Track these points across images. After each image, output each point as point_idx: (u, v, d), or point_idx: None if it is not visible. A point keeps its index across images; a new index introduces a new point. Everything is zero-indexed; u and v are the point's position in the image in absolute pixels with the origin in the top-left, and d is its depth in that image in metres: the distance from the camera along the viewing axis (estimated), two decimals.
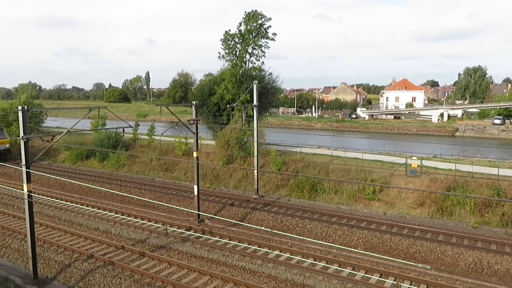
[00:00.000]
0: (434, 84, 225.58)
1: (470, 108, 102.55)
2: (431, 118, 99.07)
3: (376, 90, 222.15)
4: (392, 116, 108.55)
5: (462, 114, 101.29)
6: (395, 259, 19.18)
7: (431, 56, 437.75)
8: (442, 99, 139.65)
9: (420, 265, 14.89)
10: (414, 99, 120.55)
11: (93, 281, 18.28)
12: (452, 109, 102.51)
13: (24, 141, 17.43)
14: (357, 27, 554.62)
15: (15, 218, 26.76)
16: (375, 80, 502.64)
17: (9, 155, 46.02)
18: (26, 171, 17.61)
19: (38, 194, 31.14)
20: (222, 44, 44.97)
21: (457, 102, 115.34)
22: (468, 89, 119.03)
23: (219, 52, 45.75)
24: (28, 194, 17.79)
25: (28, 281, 18.31)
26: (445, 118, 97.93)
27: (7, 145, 46.22)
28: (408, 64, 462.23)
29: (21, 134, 17.37)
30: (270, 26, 44.01)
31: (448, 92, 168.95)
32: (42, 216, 27.26)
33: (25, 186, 17.78)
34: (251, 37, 43.66)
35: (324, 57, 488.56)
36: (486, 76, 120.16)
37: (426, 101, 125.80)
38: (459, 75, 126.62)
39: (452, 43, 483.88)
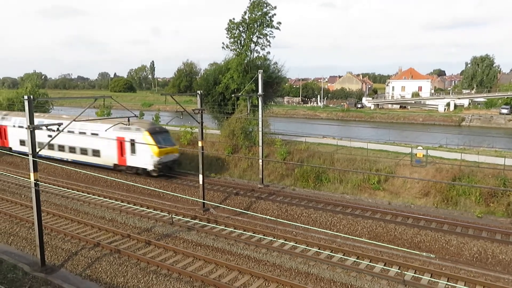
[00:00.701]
0: (440, 73, 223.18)
1: (477, 98, 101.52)
2: (437, 108, 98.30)
3: (382, 79, 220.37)
4: (398, 106, 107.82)
5: (469, 103, 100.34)
6: (399, 248, 19.22)
7: (440, 45, 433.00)
8: (449, 89, 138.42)
9: (424, 254, 14.97)
10: (420, 88, 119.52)
11: (100, 269, 18.51)
12: (459, 98, 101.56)
13: (31, 131, 17.55)
14: (365, 16, 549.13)
15: (23, 207, 27.05)
16: (381, 69, 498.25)
17: (176, 168, 34.72)
18: (33, 160, 17.75)
19: (45, 183, 31.39)
20: (227, 33, 44.77)
21: (464, 91, 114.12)
22: (475, 78, 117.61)
23: (223, 42, 45.61)
24: (35, 183, 17.97)
25: (36, 269, 18.58)
26: (452, 107, 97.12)
27: (177, 154, 34.48)
28: (415, 53, 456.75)
29: (28, 123, 17.49)
30: (275, 15, 43.72)
31: (455, 82, 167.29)
32: (49, 205, 27.53)
33: (32, 175, 17.94)
34: (255, 26, 43.43)
35: (330, 46, 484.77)
36: (494, 65, 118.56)
37: (433, 91, 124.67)
38: (466, 64, 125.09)
39: (461, 32, 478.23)
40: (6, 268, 18.74)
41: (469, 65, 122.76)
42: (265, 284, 17.02)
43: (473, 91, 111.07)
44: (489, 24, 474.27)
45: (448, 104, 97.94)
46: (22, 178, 31.60)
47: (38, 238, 18.55)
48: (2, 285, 16.94)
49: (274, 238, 21.38)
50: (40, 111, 58.41)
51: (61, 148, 37.65)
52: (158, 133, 32.98)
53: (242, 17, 43.51)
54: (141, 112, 54.59)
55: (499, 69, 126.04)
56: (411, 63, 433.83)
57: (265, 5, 42.80)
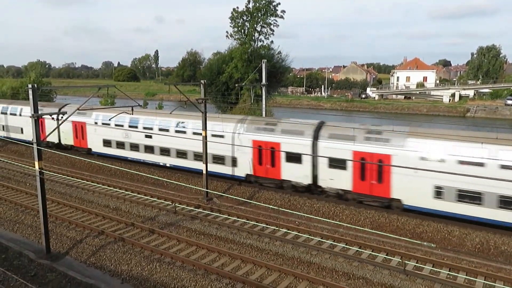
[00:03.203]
0: (446, 63, 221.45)
1: (482, 89, 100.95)
2: (442, 99, 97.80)
3: (387, 69, 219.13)
4: (403, 96, 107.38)
5: (474, 94, 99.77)
6: (401, 238, 19.28)
7: (447, 35, 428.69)
8: (454, 79, 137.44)
9: (425, 243, 15.01)
10: (425, 79, 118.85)
11: (104, 257, 18.71)
12: (464, 89, 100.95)
13: (35, 119, 17.63)
14: (372, 4, 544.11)
15: (28, 195, 27.29)
16: (386, 59, 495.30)
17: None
18: (37, 149, 17.87)
19: (50, 172, 31.59)
20: (231, 22, 44.59)
21: (469, 82, 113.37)
22: (481, 69, 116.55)
23: (227, 31, 45.49)
24: (39, 171, 18.10)
25: (41, 256, 18.81)
26: (457, 98, 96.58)
27: None
28: (422, 43, 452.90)
29: (32, 112, 17.57)
30: (279, 3, 43.51)
31: (460, 72, 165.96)
32: (54, 193, 27.74)
33: (36, 163, 18.08)
34: (259, 14, 43.18)
35: (335, 36, 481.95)
36: (500, 56, 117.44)
37: (438, 81, 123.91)
38: (472, 54, 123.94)
39: (469, 21, 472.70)
40: (12, 255, 19.00)
41: (475, 56, 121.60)
42: (268, 273, 17.16)
43: (478, 82, 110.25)
44: (497, 13, 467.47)
45: (453, 95, 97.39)
46: (27, 166, 31.86)
47: (43, 226, 18.76)
48: (8, 271, 17.18)
49: (277, 227, 21.50)
50: (44, 100, 58.55)
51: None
52: None
53: (246, 6, 43.24)
54: (145, 101, 54.78)
55: (505, 59, 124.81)
56: (416, 53, 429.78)
57: None
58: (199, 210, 24.30)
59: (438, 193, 21.24)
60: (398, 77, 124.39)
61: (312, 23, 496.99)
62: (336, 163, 23.70)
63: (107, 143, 35.08)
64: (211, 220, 22.64)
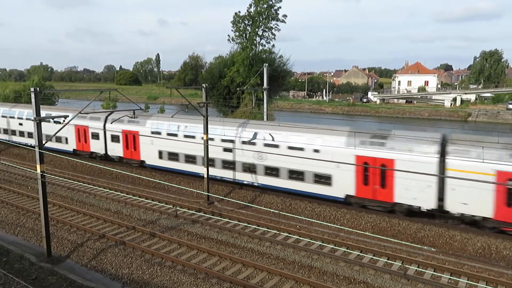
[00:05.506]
0: (447, 68, 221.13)
1: (484, 93, 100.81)
2: (443, 103, 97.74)
3: (388, 73, 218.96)
4: (404, 101, 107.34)
5: (476, 98, 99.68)
6: (402, 242, 19.23)
7: (451, 38, 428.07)
8: (456, 83, 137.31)
9: (425, 247, 15.01)
10: (426, 83, 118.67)
11: (105, 260, 18.72)
12: (466, 93, 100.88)
13: (37, 123, 17.70)
14: (375, 7, 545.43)
15: (29, 198, 27.33)
16: (388, 63, 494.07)
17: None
18: (39, 152, 17.92)
19: (51, 175, 31.64)
20: (232, 27, 44.76)
21: (471, 86, 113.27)
22: (483, 73, 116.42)
23: (228, 35, 45.64)
24: (41, 175, 18.15)
25: (42, 259, 18.82)
26: (458, 102, 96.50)
27: None
28: (424, 46, 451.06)
29: (34, 115, 17.64)
30: (280, 8, 43.67)
31: (462, 76, 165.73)
32: (55, 197, 27.78)
33: (38, 166, 18.13)
34: (261, 19, 43.34)
35: (338, 39, 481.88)
36: (502, 60, 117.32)
37: (439, 85, 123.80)
38: (475, 58, 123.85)
39: (474, 25, 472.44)
40: (13, 258, 19.01)
41: (477, 60, 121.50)
42: (269, 277, 17.15)
43: (480, 86, 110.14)
44: (502, 16, 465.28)
45: (454, 99, 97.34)
46: (29, 169, 31.92)
47: (45, 229, 18.79)
48: (9, 274, 17.19)
49: (278, 231, 21.48)
50: (47, 103, 58.69)
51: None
52: None
53: (248, 10, 43.42)
54: (147, 105, 55.05)
55: (507, 63, 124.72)
56: (418, 57, 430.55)
57: None
58: (200, 213, 24.30)
59: None
60: (399, 81, 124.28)
61: (314, 26, 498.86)
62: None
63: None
64: (212, 224, 22.64)
